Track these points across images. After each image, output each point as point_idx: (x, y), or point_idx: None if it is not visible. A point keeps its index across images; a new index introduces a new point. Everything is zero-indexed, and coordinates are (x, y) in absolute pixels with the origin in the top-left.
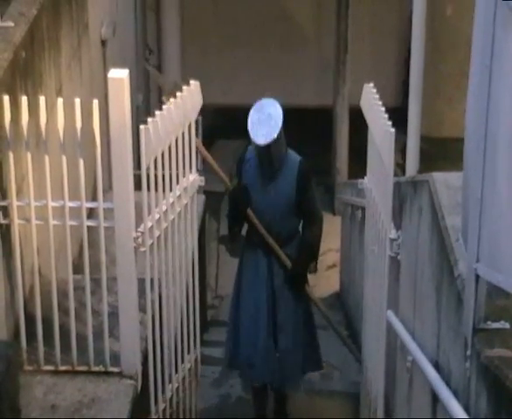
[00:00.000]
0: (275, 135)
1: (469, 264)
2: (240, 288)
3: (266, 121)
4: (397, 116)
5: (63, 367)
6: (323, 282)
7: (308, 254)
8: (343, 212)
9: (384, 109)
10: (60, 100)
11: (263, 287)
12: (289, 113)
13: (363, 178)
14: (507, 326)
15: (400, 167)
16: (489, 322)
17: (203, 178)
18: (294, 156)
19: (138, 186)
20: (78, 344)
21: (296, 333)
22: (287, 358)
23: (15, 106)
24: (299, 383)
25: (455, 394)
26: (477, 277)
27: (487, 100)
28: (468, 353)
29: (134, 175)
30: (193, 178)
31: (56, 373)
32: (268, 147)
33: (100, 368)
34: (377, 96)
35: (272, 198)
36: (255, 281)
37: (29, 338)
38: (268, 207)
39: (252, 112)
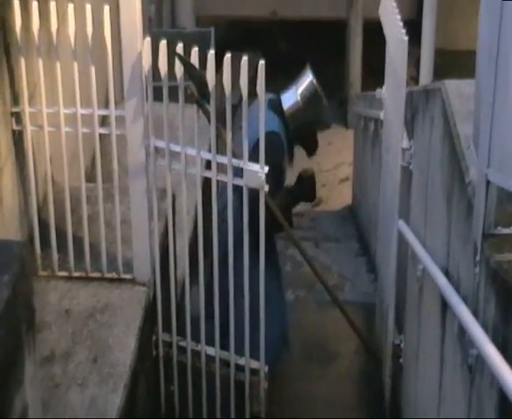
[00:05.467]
0: None
1: (480, 170)
2: None
3: None
4: (412, 29)
5: (76, 274)
6: (336, 195)
7: None
8: (356, 125)
9: (399, 17)
10: (71, 6)
11: None
12: (303, 26)
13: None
14: None
15: (414, 80)
16: (499, 227)
17: None
18: None
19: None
20: (91, 251)
21: None
22: None
23: (25, 11)
24: None
25: (464, 300)
26: (488, 182)
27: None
28: (478, 258)
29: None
30: None
31: (70, 279)
32: None
33: (113, 275)
34: (395, 4)
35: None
36: None
37: (43, 244)
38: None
39: None
